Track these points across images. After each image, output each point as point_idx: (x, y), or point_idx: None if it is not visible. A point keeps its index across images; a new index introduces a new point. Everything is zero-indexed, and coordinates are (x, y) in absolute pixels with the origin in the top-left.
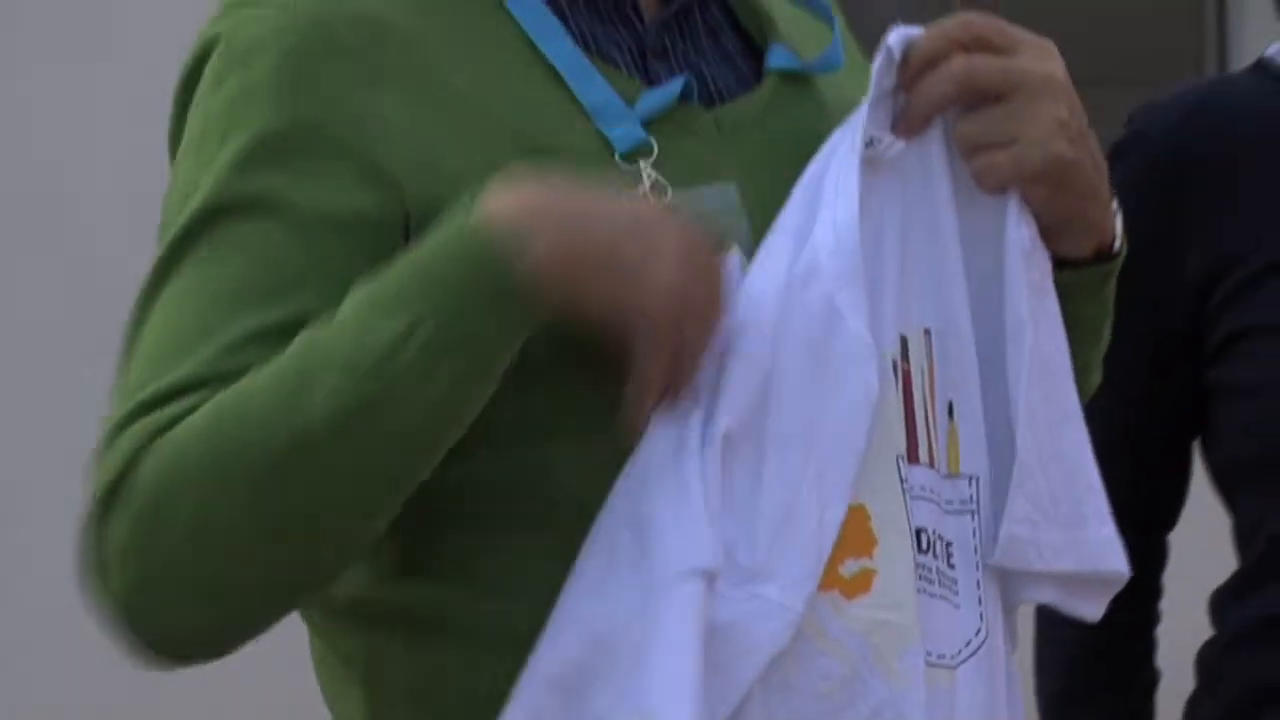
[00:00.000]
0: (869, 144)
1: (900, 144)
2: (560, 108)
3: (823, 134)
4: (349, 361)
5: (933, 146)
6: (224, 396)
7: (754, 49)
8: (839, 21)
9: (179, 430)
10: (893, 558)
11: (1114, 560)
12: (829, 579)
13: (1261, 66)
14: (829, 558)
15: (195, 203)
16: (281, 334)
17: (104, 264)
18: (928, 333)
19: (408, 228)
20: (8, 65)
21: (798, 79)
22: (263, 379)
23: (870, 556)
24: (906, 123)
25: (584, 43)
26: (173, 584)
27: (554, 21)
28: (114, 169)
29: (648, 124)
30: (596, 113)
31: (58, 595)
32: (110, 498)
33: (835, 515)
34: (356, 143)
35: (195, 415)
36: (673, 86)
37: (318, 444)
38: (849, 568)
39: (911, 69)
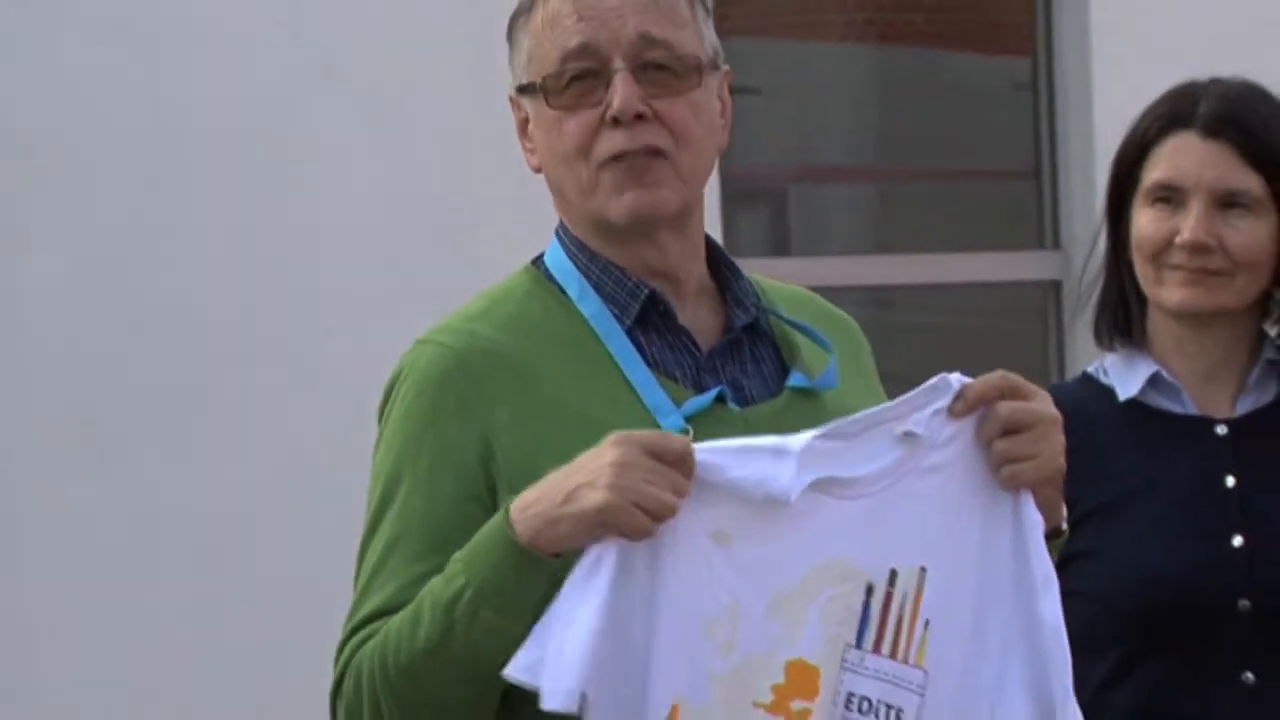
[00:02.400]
0: (907, 433)
1: (938, 454)
2: (632, 408)
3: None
4: (435, 609)
5: (966, 457)
6: (385, 629)
7: (784, 367)
8: (836, 351)
9: (364, 651)
10: (824, 707)
11: None
12: (779, 708)
13: (1087, 378)
14: (781, 692)
15: (383, 485)
16: (437, 572)
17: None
18: (923, 570)
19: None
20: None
21: (808, 391)
22: (401, 617)
23: (812, 702)
24: (963, 442)
25: (652, 363)
26: None
27: (633, 352)
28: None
29: (692, 418)
30: (654, 410)
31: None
32: (336, 695)
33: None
34: (475, 447)
35: (373, 641)
36: (708, 395)
37: (421, 661)
38: (797, 704)
39: (968, 405)
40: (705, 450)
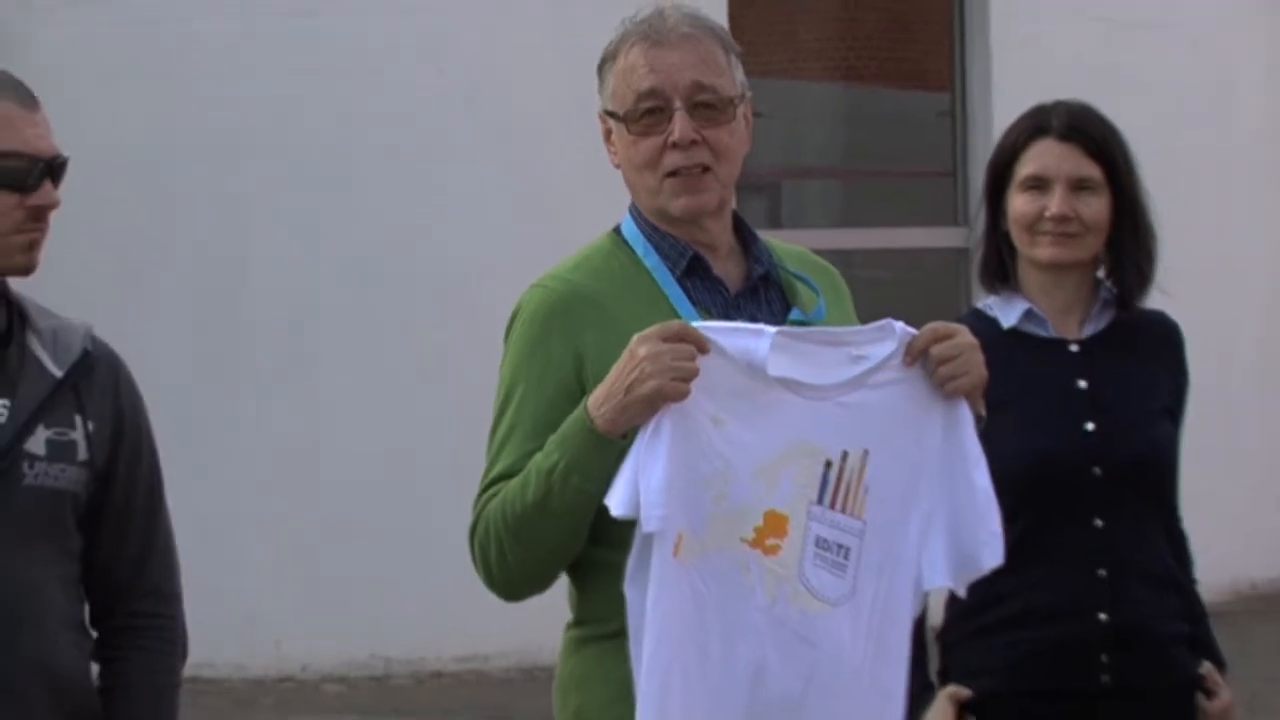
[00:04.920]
0: (859, 356)
1: (892, 372)
2: None
3: None
4: (538, 475)
5: (910, 380)
6: (505, 489)
7: (788, 305)
8: (822, 290)
9: (492, 504)
10: (791, 545)
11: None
12: (758, 543)
13: (977, 312)
14: (760, 532)
15: (505, 387)
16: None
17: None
18: (866, 453)
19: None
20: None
21: (803, 322)
22: (516, 481)
23: (781, 540)
24: (908, 370)
25: (695, 301)
26: (496, 579)
27: (682, 293)
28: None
29: None
30: None
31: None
32: (472, 535)
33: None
34: (570, 359)
35: (497, 497)
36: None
37: (530, 513)
38: (770, 541)
39: (914, 356)
40: (703, 326)
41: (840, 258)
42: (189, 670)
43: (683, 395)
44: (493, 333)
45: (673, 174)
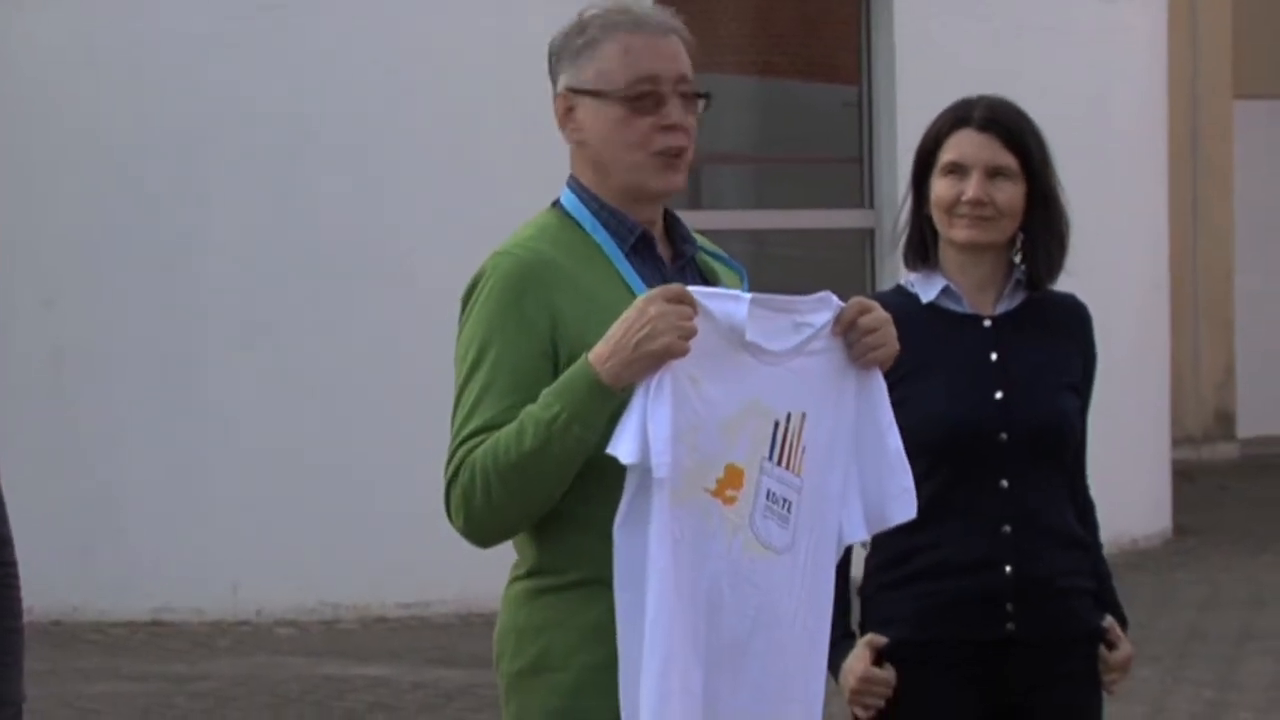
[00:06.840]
0: (802, 324)
1: (823, 341)
2: (631, 300)
3: None
4: (536, 425)
5: (836, 348)
6: (493, 438)
7: (707, 283)
8: (745, 272)
9: (477, 453)
10: (745, 497)
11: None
12: (719, 493)
13: (899, 288)
14: (721, 483)
15: (477, 345)
16: (519, 406)
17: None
18: (804, 415)
19: (564, 358)
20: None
21: None
22: (507, 430)
23: (738, 491)
24: (835, 339)
25: (639, 275)
26: (477, 525)
27: (630, 268)
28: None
29: None
30: None
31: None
32: (452, 483)
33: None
34: (546, 321)
35: (483, 446)
36: None
37: (526, 460)
38: (730, 492)
39: (844, 326)
40: (694, 290)
41: (755, 236)
42: (151, 614)
43: (686, 352)
44: (432, 306)
45: (659, 154)
